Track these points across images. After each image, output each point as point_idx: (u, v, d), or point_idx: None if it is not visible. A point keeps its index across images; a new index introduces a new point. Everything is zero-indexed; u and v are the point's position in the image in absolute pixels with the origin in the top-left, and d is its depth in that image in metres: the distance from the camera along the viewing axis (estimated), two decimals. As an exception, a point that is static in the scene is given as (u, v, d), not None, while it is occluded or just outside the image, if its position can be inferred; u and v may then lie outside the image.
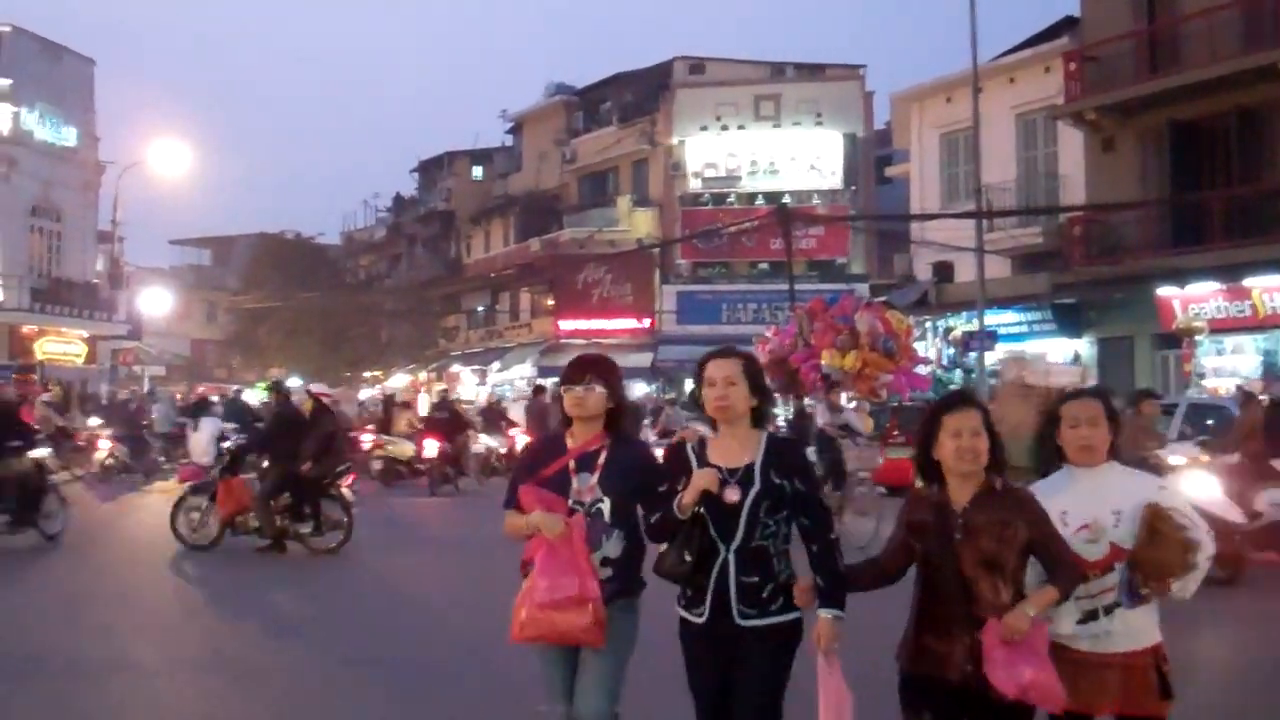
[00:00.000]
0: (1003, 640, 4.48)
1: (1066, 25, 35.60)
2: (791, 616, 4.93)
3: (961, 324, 36.32)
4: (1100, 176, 32.82)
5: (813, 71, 52.64)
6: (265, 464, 16.68)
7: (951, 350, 37.70)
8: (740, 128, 48.33)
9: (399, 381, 59.94)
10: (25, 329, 43.40)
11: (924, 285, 39.63)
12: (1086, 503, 4.97)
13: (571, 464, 5.31)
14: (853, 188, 48.11)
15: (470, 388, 54.50)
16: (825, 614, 4.87)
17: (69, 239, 45.75)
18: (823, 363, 25.06)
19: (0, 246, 41.85)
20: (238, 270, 71.52)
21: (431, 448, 26.72)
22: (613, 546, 5.23)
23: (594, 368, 5.45)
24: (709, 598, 4.90)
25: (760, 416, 5.12)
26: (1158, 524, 4.80)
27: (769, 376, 28.54)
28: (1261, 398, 17.57)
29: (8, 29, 43.32)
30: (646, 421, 32.93)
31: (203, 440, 18.80)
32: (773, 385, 29.66)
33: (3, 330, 42.36)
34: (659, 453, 5.49)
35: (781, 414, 32.62)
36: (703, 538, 4.90)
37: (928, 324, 38.48)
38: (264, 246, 68.40)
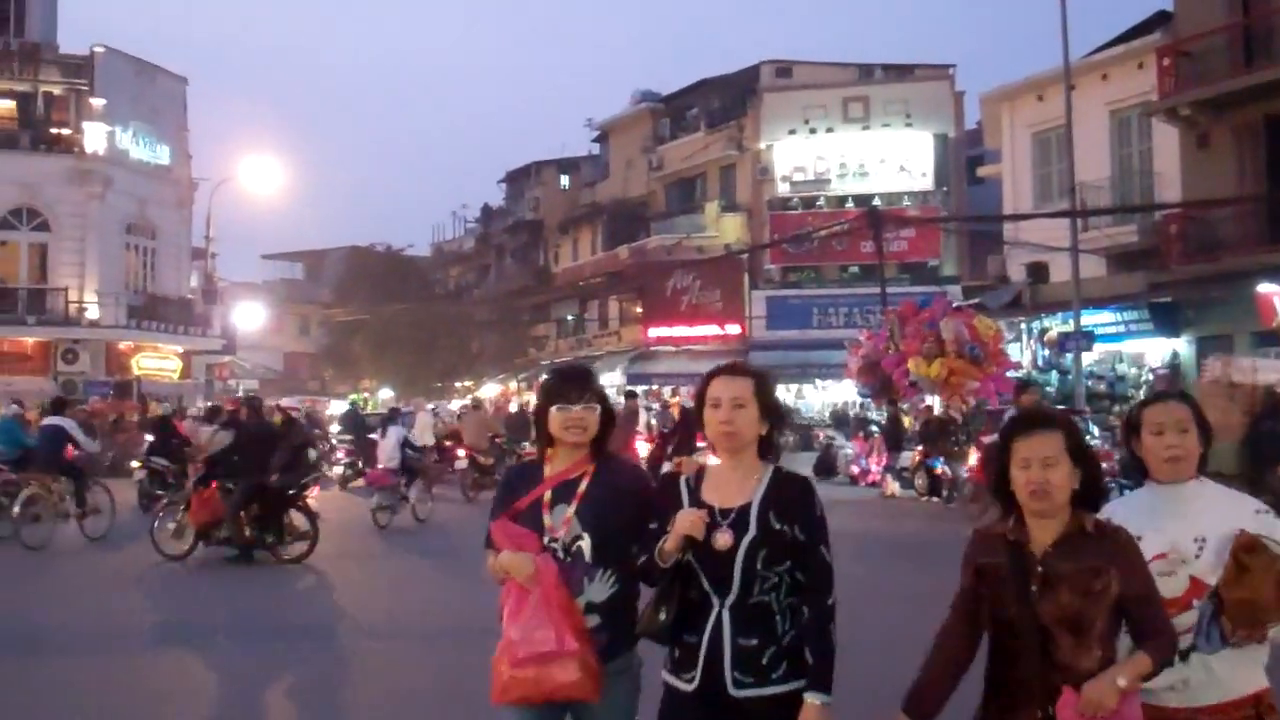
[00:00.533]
0: (1082, 715, 3.72)
1: (1159, 20, 34.90)
2: (796, 686, 4.08)
3: (1057, 325, 35.74)
4: (1196, 173, 32.12)
5: (901, 72, 52.14)
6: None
7: (1046, 352, 37.13)
8: (829, 130, 47.95)
9: (489, 391, 60.10)
10: (122, 345, 44.00)
11: (1018, 286, 39.05)
12: (1166, 526, 4.18)
13: (547, 494, 4.53)
14: (944, 189, 47.57)
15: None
16: (811, 700, 4.03)
17: (163, 256, 46.33)
18: (909, 370, 24.83)
19: (97, 264, 42.47)
20: (329, 283, 72.13)
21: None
22: (598, 590, 4.42)
23: (590, 382, 4.64)
24: (700, 662, 4.12)
25: (768, 446, 4.32)
26: (1249, 557, 3.98)
27: (863, 381, 28.47)
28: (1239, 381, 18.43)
29: (101, 50, 43.97)
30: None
31: (389, 447, 21.88)
32: (866, 389, 29.63)
33: (100, 347, 42.94)
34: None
35: (876, 416, 32.48)
36: (693, 590, 4.16)
37: (1022, 326, 37.95)
38: (355, 259, 68.97)
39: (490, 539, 4.48)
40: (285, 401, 20.76)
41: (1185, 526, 4.16)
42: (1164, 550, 4.13)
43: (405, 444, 22.08)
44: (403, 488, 21.76)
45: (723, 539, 4.08)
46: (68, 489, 18.74)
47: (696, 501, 4.21)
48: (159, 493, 22.39)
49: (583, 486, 4.50)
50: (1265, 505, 4.26)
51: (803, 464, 25.80)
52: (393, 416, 26.18)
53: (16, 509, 17.65)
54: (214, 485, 16.55)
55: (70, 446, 19.32)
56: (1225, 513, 4.18)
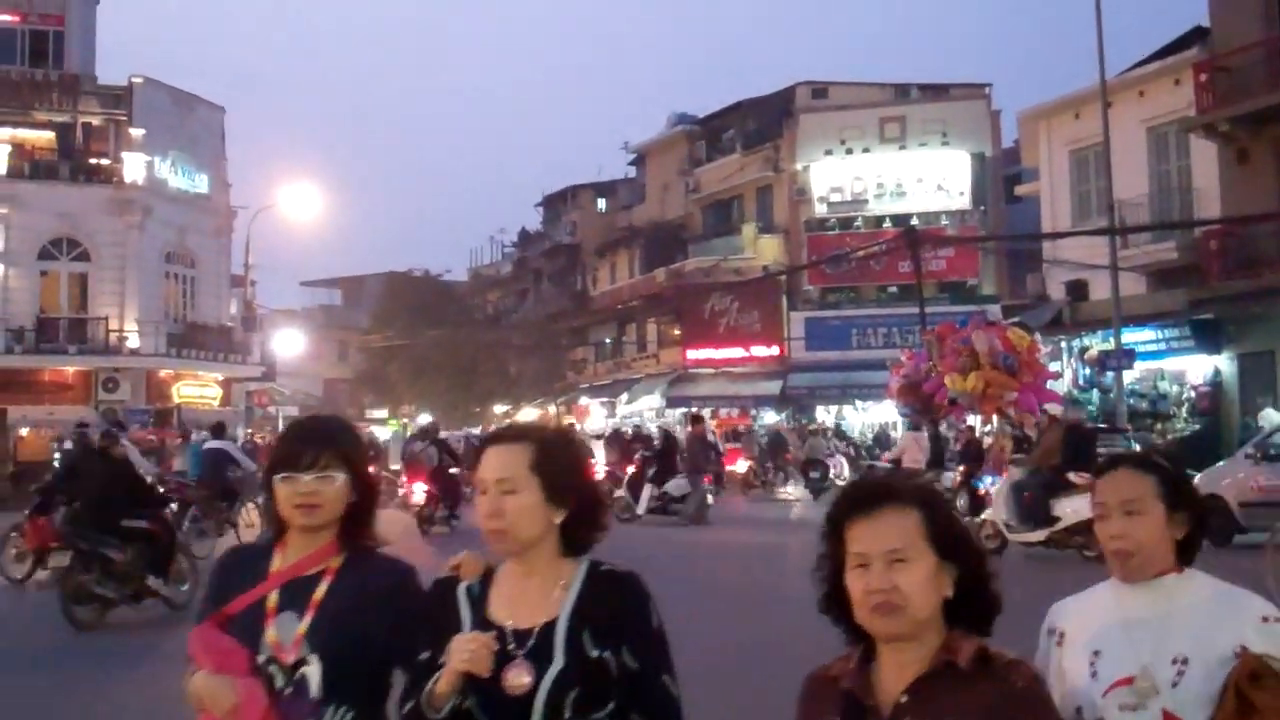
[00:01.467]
0: None
1: (1196, 36, 34.66)
2: None
3: (1097, 343, 35.47)
4: (1235, 188, 31.84)
5: (937, 91, 51.97)
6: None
7: (1087, 370, 36.87)
8: (865, 151, 47.85)
9: (528, 416, 60.13)
10: (162, 373, 44.17)
11: (1057, 305, 38.79)
12: (1133, 639, 2.96)
13: (272, 596, 3.19)
14: (982, 208, 47.37)
15: (599, 420, 54.55)
16: None
17: (203, 284, 46.52)
18: (946, 386, 24.67)
19: (137, 293, 42.68)
20: (367, 309, 72.47)
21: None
22: None
23: (328, 441, 3.27)
24: None
25: (575, 538, 2.96)
26: (1256, 691, 2.76)
27: (903, 401, 28.30)
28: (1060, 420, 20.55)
29: (140, 81, 44.27)
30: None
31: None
32: (907, 410, 29.43)
33: (140, 375, 43.12)
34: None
35: (917, 435, 32.26)
36: None
37: (1062, 344, 37.71)
38: (393, 285, 69.25)
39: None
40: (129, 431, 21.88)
41: (1160, 641, 2.93)
42: (1129, 674, 2.93)
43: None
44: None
45: (516, 677, 2.80)
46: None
47: (482, 620, 2.92)
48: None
49: (320, 590, 3.19)
50: (1273, 613, 2.92)
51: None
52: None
53: (185, 524, 18.77)
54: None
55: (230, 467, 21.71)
56: (1218, 622, 2.90)
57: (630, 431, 38.56)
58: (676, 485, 26.04)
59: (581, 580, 2.92)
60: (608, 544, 3.00)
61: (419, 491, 24.57)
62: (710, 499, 26.84)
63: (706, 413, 47.45)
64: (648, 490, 26.02)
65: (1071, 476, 16.98)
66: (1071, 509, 16.61)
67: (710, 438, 32.61)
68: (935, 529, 2.57)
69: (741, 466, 37.72)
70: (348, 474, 3.21)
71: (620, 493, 26.62)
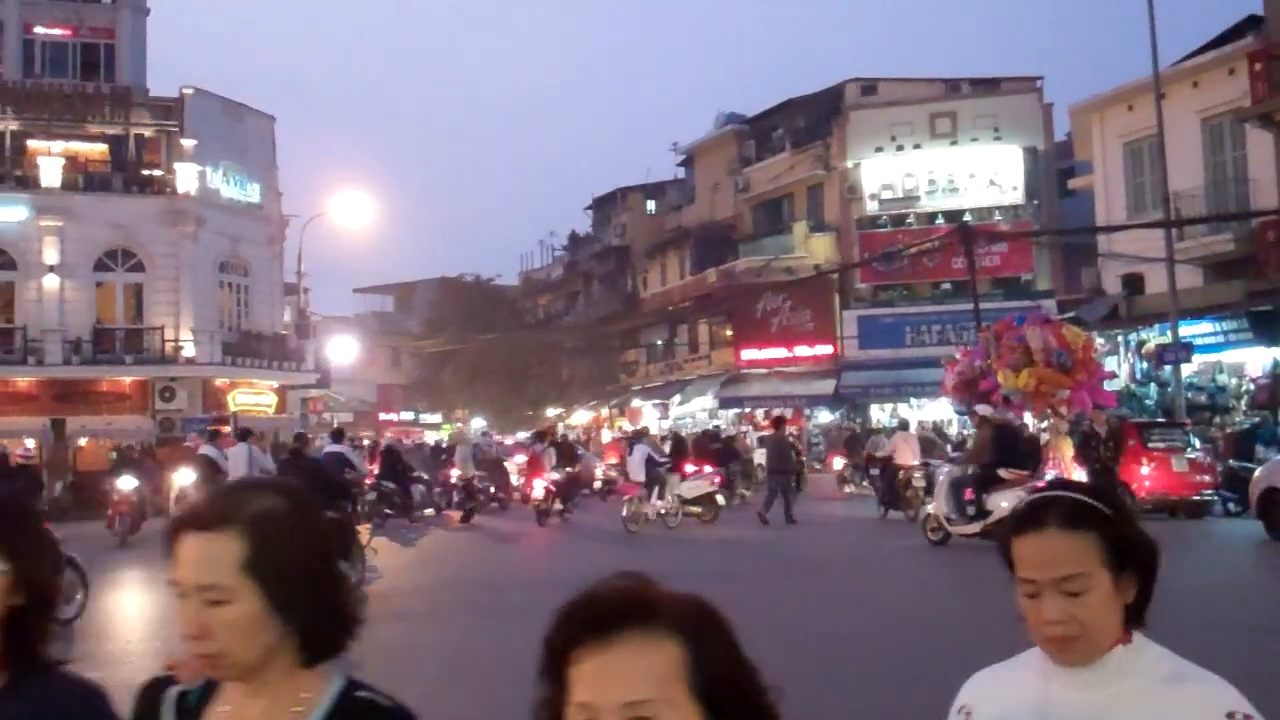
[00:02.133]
0: None
1: (1250, 25, 34.29)
2: None
3: (1154, 337, 35.15)
4: (1293, 178, 31.52)
5: (988, 86, 51.58)
6: None
7: (1145, 364, 36.53)
8: (916, 147, 47.56)
9: (581, 418, 60.19)
10: (218, 382, 44.41)
11: (1113, 299, 38.46)
12: None
13: None
14: (1035, 202, 46.99)
15: (652, 422, 54.51)
16: None
17: (256, 292, 46.74)
18: (1000, 383, 24.49)
19: (191, 303, 42.94)
20: (420, 315, 72.70)
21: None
22: None
23: None
24: None
25: (318, 643, 2.09)
26: None
27: (958, 398, 28.16)
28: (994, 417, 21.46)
29: (190, 92, 44.54)
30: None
31: (636, 462, 25.19)
32: (962, 407, 29.22)
33: (196, 384, 43.38)
34: None
35: (907, 435, 32.04)
36: None
37: (1119, 338, 37.37)
38: (444, 290, 69.47)
39: None
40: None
41: None
42: None
43: (649, 460, 25.18)
44: (649, 497, 25.20)
45: None
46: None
47: None
48: (387, 511, 27.06)
49: None
50: (1243, 708, 2.12)
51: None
52: (639, 436, 29.66)
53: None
54: None
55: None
56: (1169, 716, 2.15)
57: (696, 431, 38.81)
58: (691, 486, 26.24)
59: (327, 710, 2.08)
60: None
61: (539, 487, 27.15)
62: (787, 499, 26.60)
63: (759, 413, 47.44)
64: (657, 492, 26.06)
65: (1002, 473, 18.93)
66: (1004, 503, 18.13)
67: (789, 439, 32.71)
68: (701, 672, 1.61)
69: (838, 464, 37.33)
70: (8, 568, 2.34)
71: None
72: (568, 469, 29.28)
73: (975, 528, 18.94)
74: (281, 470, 18.48)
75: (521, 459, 33.09)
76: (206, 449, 25.25)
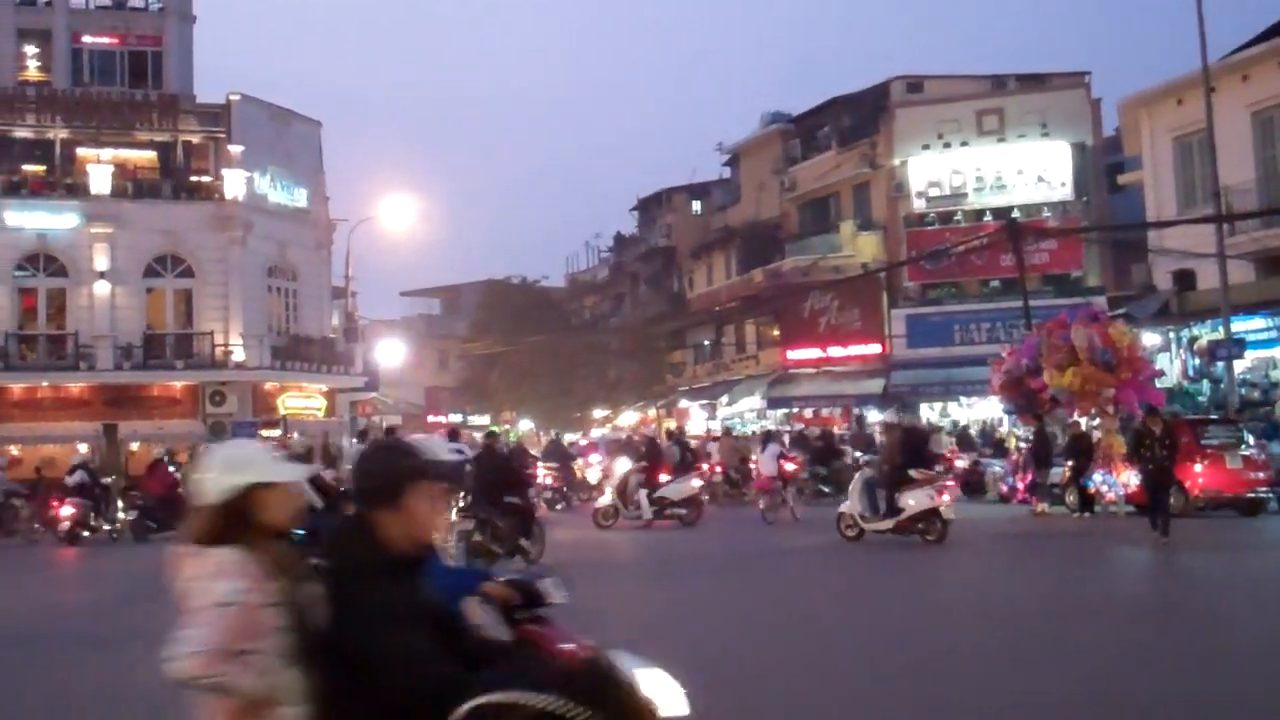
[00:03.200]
0: None
1: (1302, 16, 33.93)
2: None
3: (1206, 333, 34.86)
4: (1346, 170, 31.17)
5: (1035, 81, 51.13)
6: None
7: (1197, 361, 36.22)
8: (963, 144, 47.24)
9: (628, 419, 60.12)
10: (268, 386, 44.71)
11: (1165, 295, 38.15)
12: None
13: None
14: (1084, 198, 46.59)
15: (699, 422, 54.42)
16: None
17: (304, 296, 47.00)
18: (1046, 382, 24.41)
19: (240, 307, 43.24)
20: (467, 318, 72.80)
21: None
22: None
23: None
24: None
25: None
26: None
27: (1006, 397, 28.01)
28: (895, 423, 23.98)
29: (237, 98, 44.87)
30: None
31: (767, 460, 27.02)
32: (1010, 406, 29.09)
33: (246, 388, 43.68)
34: None
35: (1021, 433, 31.85)
36: None
37: (1171, 335, 37.06)
38: (491, 293, 69.53)
39: None
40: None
41: None
42: None
43: (780, 456, 26.78)
44: (781, 491, 27.15)
45: None
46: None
47: None
48: None
49: None
50: None
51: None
52: (771, 436, 31.51)
53: None
54: None
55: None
56: None
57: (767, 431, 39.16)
58: (674, 489, 26.97)
59: None
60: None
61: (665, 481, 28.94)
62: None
63: (809, 412, 47.28)
64: (642, 495, 26.71)
65: (911, 473, 20.08)
66: (913, 501, 19.90)
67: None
68: None
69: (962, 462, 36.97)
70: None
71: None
72: (691, 462, 31.50)
73: (888, 524, 20.21)
74: (475, 463, 20.51)
75: (597, 458, 36.02)
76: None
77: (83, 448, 40.58)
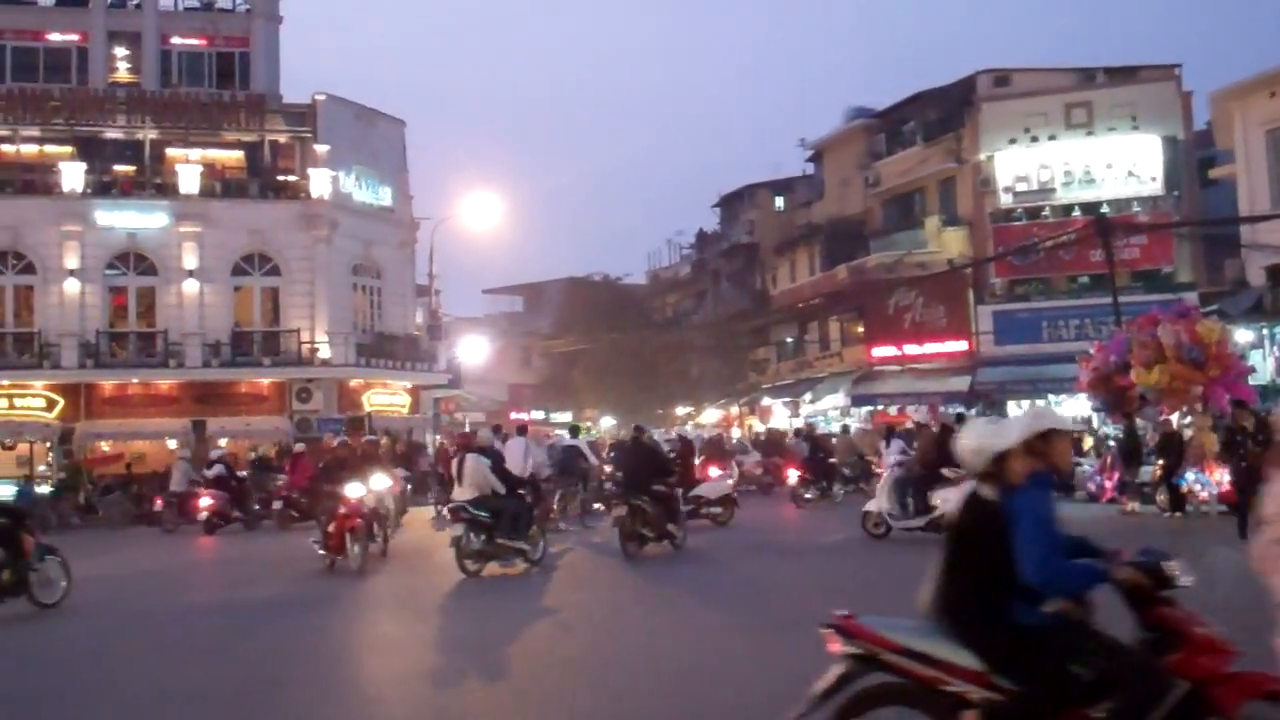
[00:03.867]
0: None
1: (1402, 3, 33.18)
2: None
3: (1302, 330, 34.22)
4: None
5: (1125, 74, 50.44)
6: None
7: (1291, 359, 35.59)
8: (1051, 138, 46.72)
9: (711, 417, 60.00)
10: (353, 383, 45.06)
11: (1257, 291, 37.50)
12: None
13: None
14: (1175, 193, 45.89)
15: (782, 420, 54.23)
16: None
17: (389, 294, 47.35)
18: (1134, 380, 24.07)
19: (326, 305, 43.61)
20: (549, 315, 73.07)
21: None
22: None
23: None
24: None
25: None
26: None
27: (1094, 394, 27.61)
28: (931, 425, 24.21)
29: (323, 99, 45.32)
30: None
31: (890, 457, 25.94)
32: (1099, 403, 28.69)
33: (333, 385, 44.03)
34: None
35: (1111, 432, 31.41)
36: None
37: (1264, 331, 36.42)
38: (573, 290, 69.75)
39: None
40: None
41: None
42: None
43: (903, 453, 26.24)
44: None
45: None
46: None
47: None
48: None
49: None
50: None
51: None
52: (893, 431, 30.48)
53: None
54: None
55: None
56: None
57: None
58: (711, 488, 26.58)
59: None
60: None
61: (793, 475, 31.26)
62: None
63: (894, 410, 46.89)
64: None
65: (945, 471, 20.12)
66: (947, 498, 18.95)
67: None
68: None
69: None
70: None
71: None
72: (823, 457, 32.18)
73: (919, 522, 20.52)
74: (621, 454, 22.73)
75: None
76: (570, 442, 29.28)
77: (172, 443, 41.31)
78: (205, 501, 30.08)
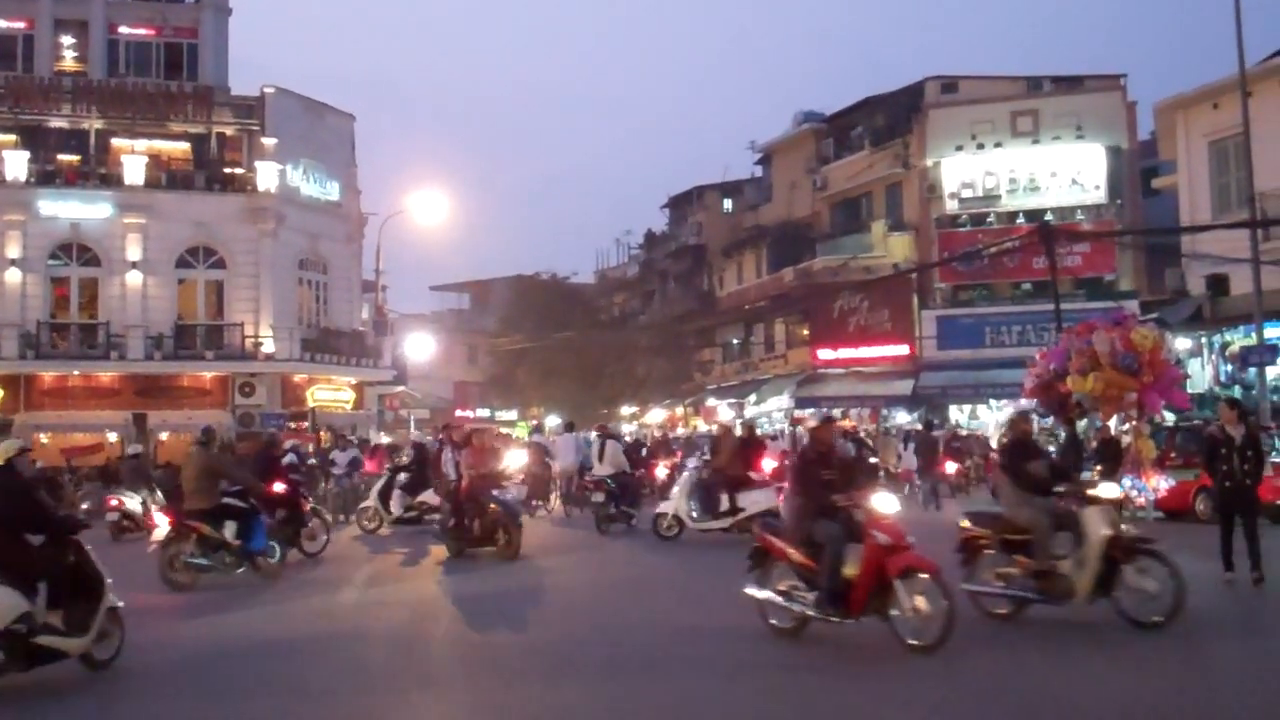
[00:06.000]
0: None
1: (1342, 19, 33.65)
2: None
3: (1239, 339, 34.64)
4: (1383, 177, 30.89)
5: (1071, 83, 50.93)
6: None
7: (1229, 367, 35.99)
8: (997, 145, 47.11)
9: (656, 417, 60.10)
10: (297, 378, 44.87)
11: (1197, 300, 37.93)
12: None
13: None
14: (1118, 201, 46.35)
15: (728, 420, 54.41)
16: None
17: (335, 289, 47.14)
18: (1070, 388, 24.31)
19: (271, 299, 43.36)
20: (496, 312, 72.79)
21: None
22: None
23: None
24: None
25: None
26: None
27: (1038, 400, 27.89)
28: (740, 432, 24.44)
29: (271, 91, 45.03)
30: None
31: (910, 458, 29.11)
32: (1043, 410, 29.00)
33: (276, 380, 43.83)
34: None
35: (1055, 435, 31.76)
36: None
37: (1203, 340, 36.85)
38: (520, 288, 69.52)
39: None
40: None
41: None
42: None
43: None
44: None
45: None
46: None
47: None
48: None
49: None
50: None
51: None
52: (933, 429, 32.86)
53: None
54: None
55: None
56: None
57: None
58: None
59: None
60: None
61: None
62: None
63: (837, 413, 47.10)
64: (397, 497, 25.60)
65: (752, 475, 21.50)
66: (752, 500, 20.95)
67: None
68: None
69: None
70: None
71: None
72: (870, 459, 32.13)
73: (725, 523, 21.14)
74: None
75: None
76: (536, 437, 31.08)
77: (112, 436, 40.97)
78: (279, 487, 24.62)
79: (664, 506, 22.73)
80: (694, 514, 21.78)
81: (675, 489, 23.13)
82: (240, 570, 17.04)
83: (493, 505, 19.60)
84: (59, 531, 10.63)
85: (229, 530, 16.90)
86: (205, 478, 17.14)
